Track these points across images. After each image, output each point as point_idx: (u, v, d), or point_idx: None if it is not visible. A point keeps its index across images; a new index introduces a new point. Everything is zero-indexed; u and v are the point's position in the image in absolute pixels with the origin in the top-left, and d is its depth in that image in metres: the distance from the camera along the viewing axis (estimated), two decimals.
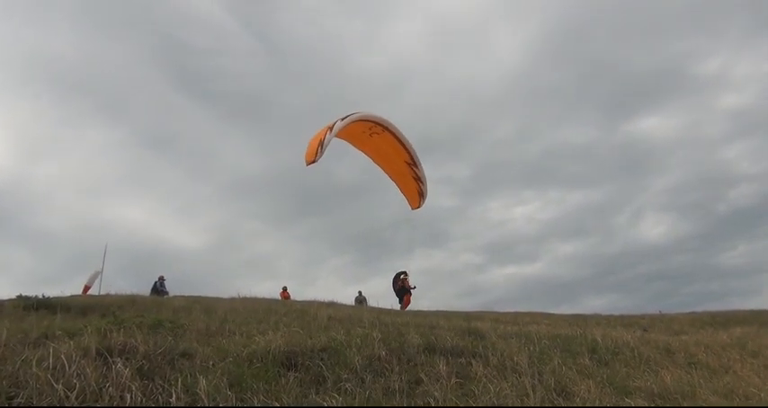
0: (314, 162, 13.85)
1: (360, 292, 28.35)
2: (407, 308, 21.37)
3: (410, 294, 21.55)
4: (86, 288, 32.72)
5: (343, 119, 15.23)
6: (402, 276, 22.10)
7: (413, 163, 17.89)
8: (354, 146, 17.98)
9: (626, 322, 24.64)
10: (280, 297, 27.92)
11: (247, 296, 21.79)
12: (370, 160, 18.83)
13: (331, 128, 14.52)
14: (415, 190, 18.57)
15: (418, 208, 19.00)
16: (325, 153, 14.36)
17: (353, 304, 27.45)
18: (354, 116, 15.97)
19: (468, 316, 19.70)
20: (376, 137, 17.34)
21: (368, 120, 16.75)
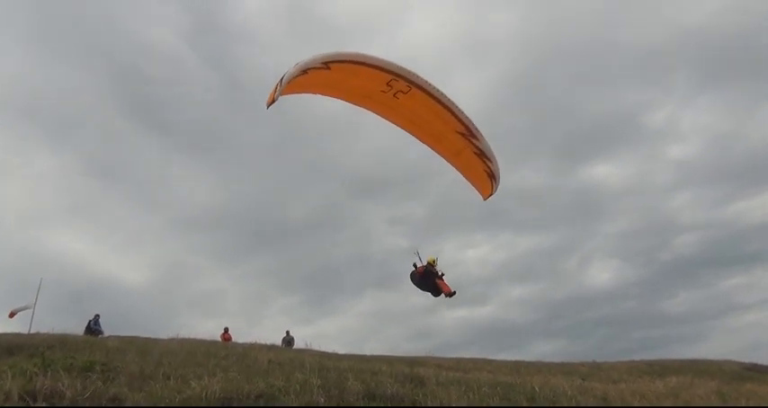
0: (273, 102, 10.28)
1: (287, 332, 27.58)
2: (448, 292, 14.30)
3: (441, 278, 14.91)
4: (12, 314, 30.81)
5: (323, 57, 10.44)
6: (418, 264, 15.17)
7: (468, 133, 12.56)
8: (377, 113, 12.58)
9: (566, 369, 25.00)
10: (221, 339, 27.19)
11: (187, 336, 21.01)
12: (416, 140, 13.12)
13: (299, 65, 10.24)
14: (482, 170, 13.14)
15: (491, 194, 13.66)
16: (300, 94, 10.80)
17: (281, 345, 27.00)
18: (347, 54, 10.76)
19: (412, 362, 19.62)
20: (402, 97, 11.94)
21: (377, 67, 11.17)
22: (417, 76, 11.43)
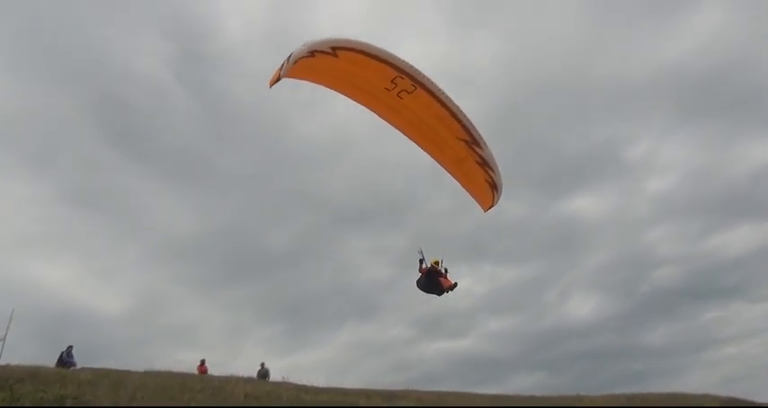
0: (277, 81, 9.94)
1: (262, 364, 26.99)
2: (449, 285, 13.74)
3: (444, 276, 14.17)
4: None
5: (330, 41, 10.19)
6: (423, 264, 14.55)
7: (472, 140, 12.05)
8: (379, 114, 12.14)
9: (544, 402, 24.94)
10: (197, 371, 26.65)
11: (162, 369, 20.70)
12: (412, 142, 12.57)
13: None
14: (483, 180, 12.57)
15: (493, 206, 13.11)
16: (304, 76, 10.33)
17: (255, 377, 26.48)
18: (355, 42, 10.45)
19: (391, 395, 19.40)
20: (406, 97, 11.44)
21: (384, 61, 10.76)
22: (423, 75, 11.19)
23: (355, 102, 12.01)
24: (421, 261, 13.90)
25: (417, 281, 14.10)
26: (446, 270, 14.16)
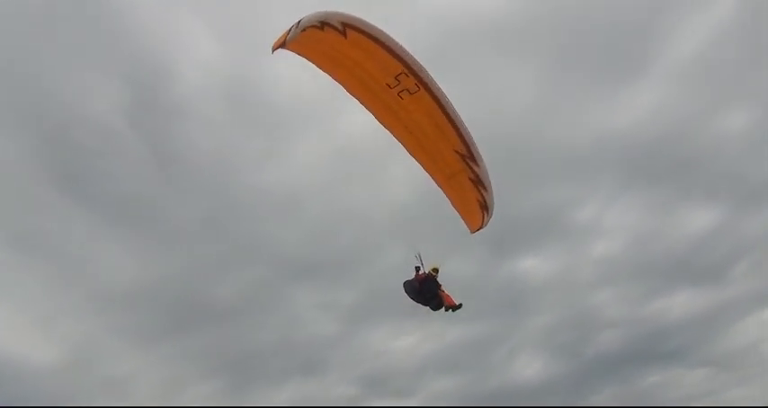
0: (281, 45, 9.06)
1: None
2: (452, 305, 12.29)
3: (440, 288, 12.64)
4: None
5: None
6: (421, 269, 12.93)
7: (469, 155, 11.22)
8: (375, 114, 11.25)
9: None
10: None
11: None
12: (404, 148, 11.68)
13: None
14: (474, 200, 11.76)
15: (481, 228, 12.30)
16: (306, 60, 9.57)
17: None
18: (369, 25, 9.74)
19: None
20: (407, 98, 10.64)
21: (392, 53, 10.06)
22: (429, 77, 10.52)
23: (353, 97, 11.14)
24: (417, 269, 12.57)
25: (407, 284, 12.63)
26: (441, 285, 12.88)
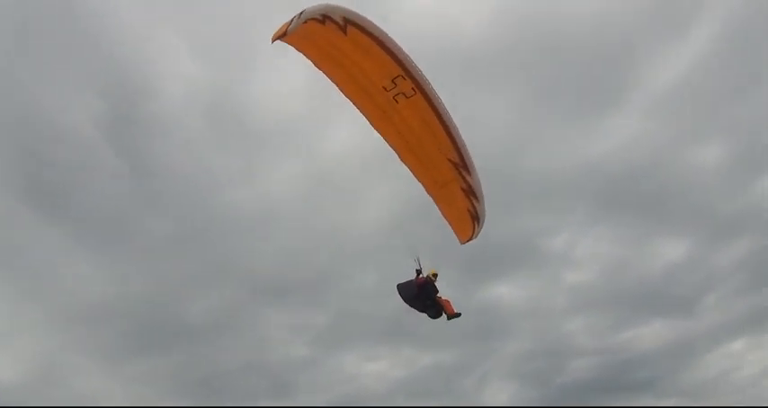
0: (283, 35, 8.70)
1: None
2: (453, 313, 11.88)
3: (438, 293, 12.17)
4: None
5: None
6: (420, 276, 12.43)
7: (462, 164, 10.99)
8: (368, 117, 10.96)
9: None
10: None
11: None
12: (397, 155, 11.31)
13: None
14: (465, 210, 11.51)
15: (471, 239, 12.09)
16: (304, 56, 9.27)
17: None
18: (370, 23, 9.58)
19: None
20: (402, 102, 10.34)
21: (391, 54, 9.86)
22: (427, 81, 10.28)
23: (346, 97, 10.80)
24: (419, 272, 12.12)
25: (403, 287, 12.13)
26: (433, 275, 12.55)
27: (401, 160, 11.45)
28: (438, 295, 11.99)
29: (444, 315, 12.00)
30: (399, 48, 9.91)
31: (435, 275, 12.11)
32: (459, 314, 11.90)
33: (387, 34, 9.74)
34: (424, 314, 11.98)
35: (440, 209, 11.83)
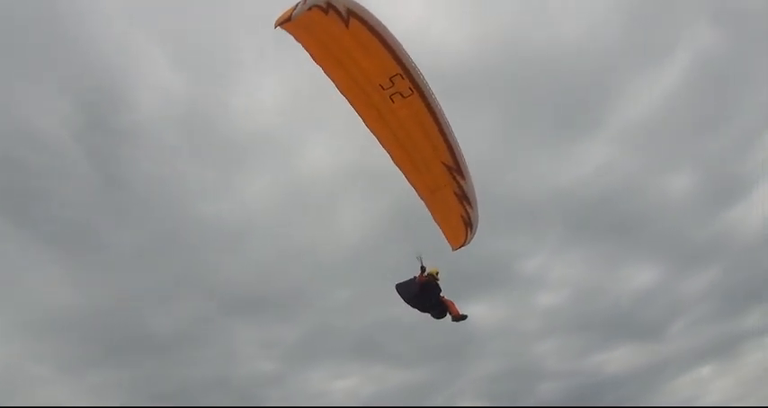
0: (287, 21, 8.37)
1: None
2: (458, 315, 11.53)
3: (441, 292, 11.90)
4: None
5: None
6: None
7: (456, 168, 10.84)
8: (363, 117, 10.72)
9: None
10: None
11: None
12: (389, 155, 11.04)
13: None
14: (458, 215, 11.28)
15: (464, 245, 11.85)
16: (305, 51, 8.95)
17: None
18: (373, 17, 9.37)
19: None
20: (398, 102, 10.11)
21: (391, 51, 9.68)
22: (424, 81, 10.10)
23: (342, 95, 10.52)
24: (423, 269, 11.77)
25: (403, 286, 11.84)
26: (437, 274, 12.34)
27: (394, 162, 11.21)
28: (442, 295, 11.74)
29: (449, 316, 11.76)
30: (400, 46, 9.73)
31: (437, 274, 11.87)
32: (465, 317, 11.63)
33: (388, 30, 9.56)
34: (422, 317, 11.73)
35: (433, 215, 11.61)
